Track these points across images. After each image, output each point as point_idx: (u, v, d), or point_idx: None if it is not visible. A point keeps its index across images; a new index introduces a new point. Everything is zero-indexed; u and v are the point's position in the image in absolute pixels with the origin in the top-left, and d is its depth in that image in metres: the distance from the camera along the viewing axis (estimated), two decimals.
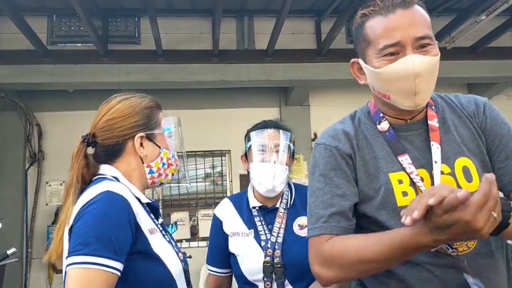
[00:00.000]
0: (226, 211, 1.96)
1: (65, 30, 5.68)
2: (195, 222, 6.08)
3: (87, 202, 1.21)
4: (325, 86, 6.18)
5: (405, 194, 1.19)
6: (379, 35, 1.18)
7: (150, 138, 1.43)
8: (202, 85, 5.80)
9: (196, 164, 6.29)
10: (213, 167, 6.25)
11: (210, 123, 5.98)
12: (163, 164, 1.43)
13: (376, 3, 1.21)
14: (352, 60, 1.32)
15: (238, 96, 6.21)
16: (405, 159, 1.21)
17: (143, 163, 1.42)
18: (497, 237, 1.18)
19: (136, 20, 5.80)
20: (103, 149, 1.41)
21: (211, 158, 6.20)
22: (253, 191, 1.94)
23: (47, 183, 5.87)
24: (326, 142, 1.30)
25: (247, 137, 1.95)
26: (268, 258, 1.76)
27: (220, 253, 1.92)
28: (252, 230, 1.85)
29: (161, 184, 1.48)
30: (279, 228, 1.83)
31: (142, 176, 1.42)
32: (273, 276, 1.75)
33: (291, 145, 1.92)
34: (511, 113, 5.24)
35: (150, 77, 5.49)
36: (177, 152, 1.48)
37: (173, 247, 1.37)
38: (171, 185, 6.25)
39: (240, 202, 1.96)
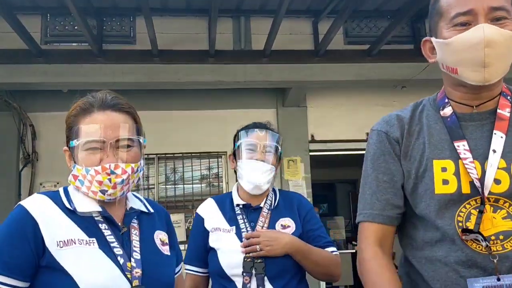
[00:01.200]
0: (208, 209, 1.99)
1: (59, 29, 5.63)
2: (191, 224, 6.03)
3: None
4: (323, 87, 6.14)
5: (445, 182, 1.16)
6: (452, 4, 1.15)
7: (71, 151, 1.33)
8: (198, 86, 5.75)
9: (192, 166, 6.24)
10: (209, 168, 6.20)
11: (206, 124, 5.93)
12: (81, 182, 1.28)
13: None
14: (425, 38, 1.29)
15: (234, 97, 6.16)
16: (462, 145, 1.18)
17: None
18: None
19: (131, 19, 5.75)
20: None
21: (207, 160, 6.14)
22: (238, 190, 2.00)
23: (41, 184, 5.80)
24: (378, 128, 1.33)
25: (237, 136, 2.00)
26: (248, 254, 1.80)
27: (200, 252, 1.93)
28: (234, 227, 1.89)
29: (111, 199, 1.30)
30: (262, 226, 1.88)
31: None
32: (253, 271, 1.77)
33: (279, 147, 1.99)
34: None
35: (145, 77, 5.44)
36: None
37: (122, 262, 1.25)
38: (166, 186, 6.21)
39: (223, 201, 2.00)
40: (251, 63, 5.60)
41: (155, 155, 6.15)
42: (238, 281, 1.79)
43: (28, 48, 5.12)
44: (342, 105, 6.19)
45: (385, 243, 1.28)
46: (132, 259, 1.28)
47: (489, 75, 1.11)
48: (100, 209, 1.30)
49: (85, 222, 1.27)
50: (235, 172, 1.99)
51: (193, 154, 6.13)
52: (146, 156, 6.04)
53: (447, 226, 1.14)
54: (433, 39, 1.23)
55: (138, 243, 1.33)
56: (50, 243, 1.20)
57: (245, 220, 1.90)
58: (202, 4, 5.44)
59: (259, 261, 1.78)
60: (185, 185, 6.26)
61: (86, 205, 1.30)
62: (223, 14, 5.54)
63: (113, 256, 1.25)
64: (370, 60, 5.60)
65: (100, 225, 1.29)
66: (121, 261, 1.25)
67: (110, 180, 1.25)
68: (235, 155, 2.00)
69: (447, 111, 1.25)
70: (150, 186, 6.19)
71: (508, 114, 1.20)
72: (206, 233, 1.92)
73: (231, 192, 2.04)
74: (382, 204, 1.26)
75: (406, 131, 1.27)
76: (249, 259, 1.78)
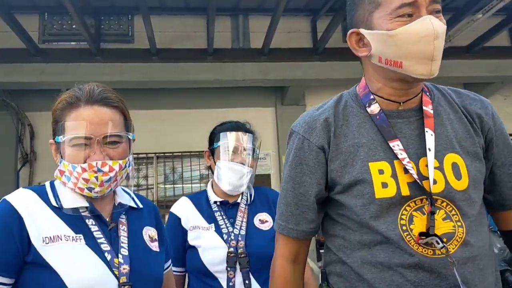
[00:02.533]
0: (184, 208, 1.98)
1: (57, 28, 5.61)
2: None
3: None
4: (322, 85, 6.13)
5: (385, 185, 1.10)
6: None
7: (57, 145, 1.29)
8: (197, 85, 5.74)
9: (191, 165, 6.24)
10: (209, 167, 6.19)
11: (205, 123, 5.85)
12: (67, 178, 1.25)
13: None
14: (351, 30, 1.20)
15: (233, 96, 6.16)
16: (396, 145, 1.12)
17: None
18: (484, 240, 1.11)
19: (129, 18, 5.73)
20: None
21: None
22: (213, 188, 2.02)
23: (39, 183, 5.73)
24: (299, 131, 1.23)
25: (216, 136, 2.01)
26: (231, 249, 1.82)
27: (177, 251, 1.92)
28: (213, 224, 1.90)
29: (98, 196, 1.27)
30: (241, 221, 1.91)
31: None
32: (237, 266, 1.80)
33: (256, 149, 2.03)
34: (507, 114, 5.23)
35: (143, 76, 5.42)
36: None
37: (109, 258, 1.23)
38: (166, 186, 6.20)
39: (198, 199, 2.01)
40: (250, 61, 5.60)
41: (154, 154, 6.14)
42: (221, 277, 1.80)
43: (26, 47, 5.11)
44: None
45: (299, 255, 1.27)
46: (120, 255, 1.26)
47: (435, 68, 1.08)
48: (87, 205, 1.27)
49: (72, 218, 1.24)
50: (211, 169, 2.04)
51: (192, 153, 6.12)
52: (145, 155, 6.07)
53: (391, 231, 1.08)
54: (364, 31, 1.15)
55: (126, 239, 1.30)
56: (35, 239, 1.17)
57: (224, 217, 1.92)
58: (200, 2, 5.43)
59: (243, 255, 1.81)
60: (184, 185, 6.26)
61: (72, 200, 1.26)
62: (221, 12, 5.53)
63: (100, 253, 1.23)
64: None
65: (87, 220, 1.26)
66: (109, 257, 1.23)
67: (97, 178, 1.22)
68: (212, 152, 2.03)
69: (375, 108, 1.18)
70: (149, 186, 6.18)
71: (432, 111, 1.17)
72: (184, 232, 1.92)
73: (205, 190, 2.05)
74: (297, 219, 1.21)
75: (333, 134, 1.18)
76: (232, 254, 1.81)
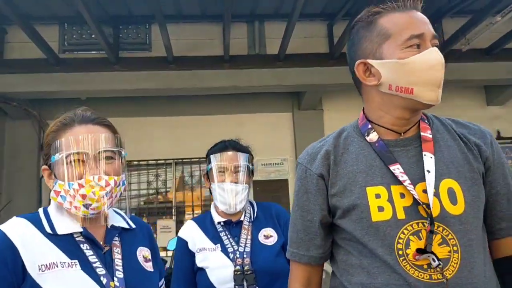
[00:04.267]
0: (190, 231, 2.02)
1: (77, 38, 5.72)
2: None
3: None
4: (338, 90, 6.12)
5: (381, 209, 1.15)
6: (404, 26, 1.17)
7: (51, 168, 1.30)
8: (213, 91, 5.78)
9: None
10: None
11: (222, 129, 5.94)
12: (63, 197, 1.26)
13: (390, 3, 1.21)
14: (360, 61, 1.25)
15: (250, 102, 6.18)
16: (397, 168, 1.17)
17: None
18: (482, 267, 1.12)
19: (146, 27, 5.81)
20: None
21: None
22: (215, 208, 2.05)
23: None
24: (303, 162, 1.32)
25: (208, 159, 2.09)
26: (238, 267, 1.85)
27: (187, 274, 1.95)
28: (219, 245, 1.93)
29: (94, 213, 1.28)
30: (246, 239, 1.94)
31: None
32: (244, 283, 1.82)
33: (250, 166, 2.06)
34: None
35: (161, 84, 5.48)
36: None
37: (105, 282, 1.24)
38: (184, 190, 6.24)
39: (203, 221, 2.04)
40: (266, 67, 5.61)
41: (172, 160, 6.19)
42: None
43: (46, 57, 5.22)
44: (359, 107, 6.10)
45: (312, 281, 1.31)
46: (115, 278, 1.26)
47: (440, 95, 1.16)
48: (81, 230, 1.27)
49: (66, 244, 1.24)
50: (210, 192, 2.08)
51: None
52: (163, 161, 6.11)
53: (387, 255, 1.12)
54: (372, 61, 1.21)
55: (120, 261, 1.31)
56: (31, 268, 1.16)
57: (229, 236, 1.95)
58: (216, 10, 5.47)
59: (249, 272, 1.84)
60: (202, 189, 6.29)
61: (66, 226, 1.27)
62: (237, 19, 5.56)
63: (96, 277, 1.23)
64: None
65: (81, 245, 1.26)
66: (104, 281, 1.23)
67: (94, 193, 1.23)
68: (208, 175, 2.09)
69: (373, 136, 1.25)
70: (168, 190, 6.23)
71: (431, 136, 1.23)
72: (191, 255, 1.95)
73: (209, 211, 2.09)
74: (307, 245, 1.27)
75: (333, 162, 1.25)
76: (239, 272, 1.84)
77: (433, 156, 1.17)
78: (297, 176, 1.34)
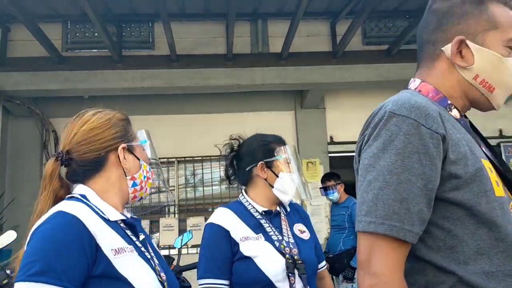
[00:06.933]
0: (230, 220, 1.95)
1: (80, 36, 5.73)
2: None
3: (38, 225, 1.17)
4: (341, 88, 6.12)
5: (497, 184, 1.05)
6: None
7: (130, 150, 1.38)
8: (217, 90, 5.78)
9: (211, 168, 6.27)
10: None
11: (225, 128, 5.90)
12: (144, 177, 1.39)
13: None
14: (460, 37, 1.12)
15: (253, 100, 6.18)
16: (485, 150, 1.14)
17: (125, 176, 1.36)
18: None
19: (150, 25, 5.81)
20: (83, 165, 1.32)
21: None
22: (254, 198, 2.03)
23: None
24: (409, 115, 1.02)
25: (270, 150, 2.04)
26: (288, 256, 1.84)
27: (227, 264, 1.88)
28: (261, 234, 1.90)
29: (141, 198, 1.41)
30: (287, 230, 1.95)
31: (122, 191, 1.35)
32: (296, 272, 1.82)
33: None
34: None
35: (164, 82, 5.48)
36: (152, 164, 1.45)
37: (154, 267, 1.28)
38: (186, 189, 6.24)
39: (240, 210, 2.00)
40: (269, 66, 5.61)
41: (175, 159, 6.19)
42: (281, 286, 1.80)
43: (49, 55, 5.22)
44: (361, 106, 6.13)
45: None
46: (157, 263, 1.30)
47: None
48: (124, 217, 1.30)
49: (119, 230, 1.26)
50: (267, 181, 2.01)
51: (212, 157, 6.15)
52: (166, 159, 6.12)
53: None
54: (473, 45, 1.12)
55: (150, 248, 1.36)
56: (107, 251, 1.17)
57: (271, 226, 1.94)
58: (219, 8, 5.48)
59: (299, 262, 1.84)
60: (204, 188, 6.29)
61: (113, 213, 1.28)
62: (241, 17, 5.56)
63: (149, 262, 1.27)
64: (389, 61, 5.55)
65: (127, 232, 1.29)
66: (153, 265, 1.28)
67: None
68: (267, 165, 2.02)
69: (456, 113, 1.16)
70: (170, 189, 6.24)
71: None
72: (235, 244, 1.88)
73: (237, 201, 2.06)
74: (413, 218, 0.98)
75: (446, 124, 1.06)
76: (290, 261, 1.83)
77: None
78: (396, 131, 1.02)
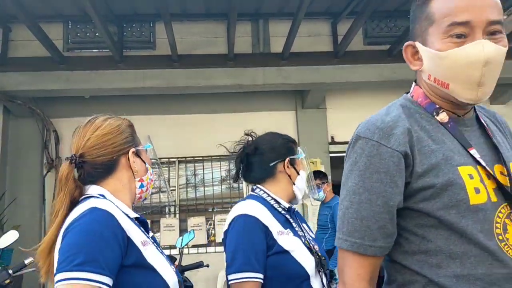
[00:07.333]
0: (264, 213, 1.88)
1: (81, 36, 5.72)
2: (212, 226, 6.05)
3: (72, 220, 1.25)
4: (342, 88, 6.11)
5: (477, 191, 1.04)
6: (447, 12, 1.05)
7: (137, 154, 1.51)
8: (218, 90, 5.78)
9: (212, 168, 6.27)
10: (229, 170, 6.21)
11: (226, 127, 5.93)
12: (149, 179, 1.53)
13: None
14: (408, 42, 1.17)
15: (254, 100, 6.18)
16: (474, 153, 1.08)
17: (134, 178, 1.49)
18: None
19: (151, 25, 5.81)
20: (96, 167, 1.42)
21: (227, 162, 6.16)
22: (278, 194, 1.99)
23: None
24: (371, 137, 1.10)
25: (293, 149, 2.07)
26: (315, 251, 1.86)
27: (264, 257, 1.81)
28: (289, 229, 1.88)
29: (144, 199, 1.55)
30: (303, 226, 1.98)
31: (131, 191, 1.48)
32: (322, 268, 1.85)
33: None
34: None
35: (165, 82, 5.49)
36: (154, 167, 1.53)
37: (166, 259, 1.41)
38: (187, 189, 6.25)
39: (267, 205, 1.94)
40: (270, 66, 5.61)
41: (176, 159, 6.19)
42: (313, 281, 1.80)
43: (50, 55, 5.22)
44: (362, 106, 6.13)
45: (374, 276, 1.14)
46: (166, 258, 1.42)
47: (482, 94, 1.06)
48: (137, 215, 1.41)
49: (137, 226, 1.37)
50: (290, 177, 2.01)
51: (213, 157, 6.15)
52: (167, 159, 6.12)
53: (488, 241, 1.02)
54: (419, 45, 1.13)
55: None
56: (138, 243, 1.28)
57: (296, 222, 1.96)
58: (221, 8, 5.48)
59: (323, 258, 1.87)
60: (205, 188, 6.29)
61: (130, 211, 1.40)
62: (242, 17, 5.55)
63: (164, 255, 1.40)
64: (390, 61, 5.55)
65: (140, 228, 1.39)
66: (165, 258, 1.40)
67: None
68: (291, 163, 2.03)
69: (443, 117, 1.13)
70: (171, 189, 6.24)
71: (485, 123, 1.17)
72: (270, 237, 1.83)
73: (257, 196, 1.99)
74: (374, 234, 1.08)
75: (416, 139, 1.10)
76: (318, 257, 1.86)
77: (495, 139, 1.13)
78: (360, 153, 1.11)
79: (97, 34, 5.53)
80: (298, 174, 2.01)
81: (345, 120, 6.14)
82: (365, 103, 6.05)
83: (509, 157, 1.13)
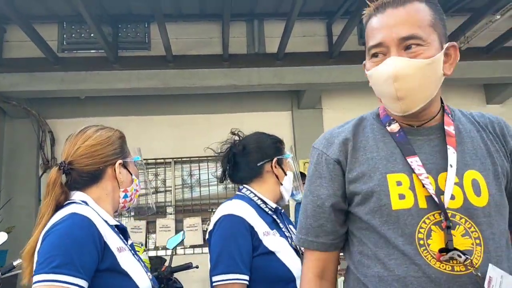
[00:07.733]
0: (251, 213, 1.85)
1: (76, 37, 5.72)
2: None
3: (53, 224, 1.31)
4: (338, 89, 6.13)
5: (402, 196, 1.10)
6: (368, 35, 1.15)
7: (125, 165, 1.57)
8: (213, 90, 5.78)
9: (208, 169, 6.27)
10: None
11: (222, 128, 5.88)
12: (134, 190, 1.58)
13: (374, 2, 1.16)
14: (364, 62, 1.23)
15: (249, 101, 6.18)
16: (414, 161, 1.12)
17: (119, 188, 1.54)
18: (505, 263, 1.08)
19: (145, 26, 5.81)
20: (83, 175, 1.48)
21: None
22: (266, 194, 1.96)
23: None
24: (318, 147, 1.29)
25: (281, 149, 2.06)
26: (301, 253, 1.81)
27: (250, 258, 1.78)
28: (275, 230, 1.85)
29: (128, 208, 1.61)
30: (289, 227, 1.95)
31: (114, 200, 1.54)
32: None
33: None
34: None
35: (160, 83, 5.48)
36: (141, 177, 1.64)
37: (143, 267, 1.45)
38: (183, 190, 6.24)
39: (253, 205, 1.90)
40: (265, 66, 5.62)
41: (171, 159, 6.19)
42: (298, 283, 1.68)
43: (45, 56, 5.21)
44: (358, 106, 6.14)
45: (326, 271, 1.27)
46: (143, 265, 1.46)
47: (406, 106, 1.11)
48: (117, 223, 1.47)
49: (116, 233, 1.42)
50: (277, 177, 1.99)
51: (209, 158, 6.15)
52: (163, 160, 6.11)
53: (408, 245, 1.07)
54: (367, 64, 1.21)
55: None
56: (114, 248, 1.33)
57: (283, 223, 1.93)
58: (215, 8, 5.48)
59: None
60: (201, 188, 6.29)
61: (110, 218, 1.45)
62: (237, 18, 5.57)
63: (140, 262, 1.44)
64: None
65: (119, 235, 1.44)
66: (142, 265, 1.43)
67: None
68: (278, 163, 2.01)
69: (394, 127, 1.20)
70: (167, 189, 6.24)
71: (454, 132, 1.17)
72: (256, 238, 1.80)
73: (244, 196, 1.95)
74: (316, 231, 1.24)
75: (351, 148, 1.21)
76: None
77: (455, 152, 1.13)
78: (310, 161, 1.31)
79: (91, 34, 5.52)
80: (286, 174, 2.00)
81: (341, 120, 6.04)
82: (361, 103, 6.05)
83: (471, 165, 1.13)
